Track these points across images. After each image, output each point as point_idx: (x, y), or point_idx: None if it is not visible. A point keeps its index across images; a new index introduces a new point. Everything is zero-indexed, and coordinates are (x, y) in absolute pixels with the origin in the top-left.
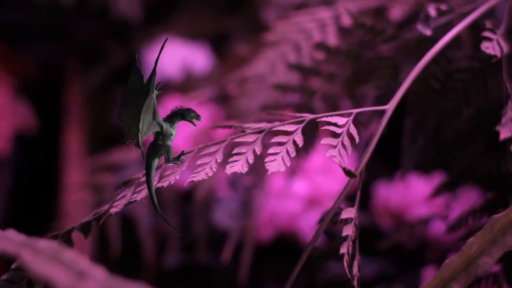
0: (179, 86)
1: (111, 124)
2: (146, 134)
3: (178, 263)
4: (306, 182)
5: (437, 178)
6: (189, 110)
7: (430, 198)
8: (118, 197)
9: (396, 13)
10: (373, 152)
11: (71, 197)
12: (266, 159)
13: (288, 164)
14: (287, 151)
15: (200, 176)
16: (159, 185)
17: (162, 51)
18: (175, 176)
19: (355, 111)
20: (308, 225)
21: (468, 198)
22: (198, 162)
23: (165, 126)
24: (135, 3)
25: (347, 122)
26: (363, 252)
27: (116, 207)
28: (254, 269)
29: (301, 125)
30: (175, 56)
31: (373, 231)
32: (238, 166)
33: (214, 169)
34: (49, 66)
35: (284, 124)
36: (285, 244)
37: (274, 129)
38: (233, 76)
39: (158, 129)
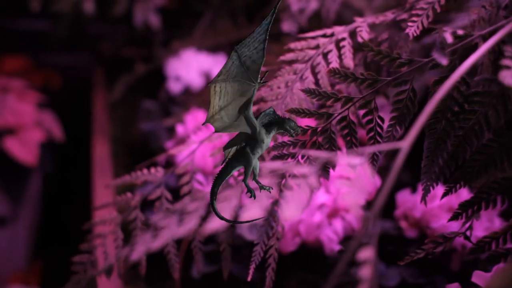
0: (199, 92)
1: (135, 133)
2: (231, 127)
3: (203, 273)
4: (329, 192)
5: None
6: (288, 120)
7: (453, 219)
8: (138, 241)
9: (415, 27)
10: None
11: (99, 214)
12: (281, 203)
13: (304, 208)
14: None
15: (215, 224)
16: (178, 234)
17: (185, 61)
18: (194, 222)
19: (370, 150)
20: (331, 234)
21: (491, 215)
22: (219, 204)
23: (259, 129)
24: (155, 14)
25: (362, 162)
26: (386, 260)
27: (136, 253)
28: (277, 277)
29: (316, 168)
30: (196, 66)
31: (397, 238)
32: (254, 211)
33: (232, 214)
34: (74, 76)
35: (298, 166)
36: (308, 253)
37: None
38: None
39: (247, 129)
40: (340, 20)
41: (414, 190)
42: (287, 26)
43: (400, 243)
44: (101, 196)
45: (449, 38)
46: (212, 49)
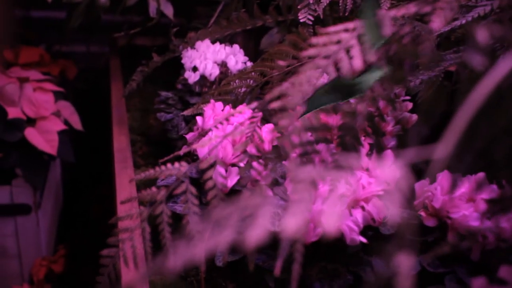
0: (216, 82)
1: (152, 123)
2: None
3: (227, 261)
4: (349, 182)
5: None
6: None
7: (486, 216)
8: (174, 249)
9: (439, 21)
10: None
11: (122, 209)
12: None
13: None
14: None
15: (258, 233)
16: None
17: (201, 52)
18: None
19: (405, 159)
20: (351, 224)
21: None
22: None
23: None
24: (169, 3)
25: (397, 170)
26: (406, 250)
27: (178, 264)
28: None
29: (346, 173)
30: (212, 56)
31: (417, 227)
32: (297, 218)
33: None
34: (89, 66)
35: (328, 172)
36: (329, 243)
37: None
38: (273, 92)
39: None
40: (356, 8)
41: (432, 179)
42: (303, 15)
43: (420, 230)
44: (123, 185)
45: (483, 37)
46: (228, 39)
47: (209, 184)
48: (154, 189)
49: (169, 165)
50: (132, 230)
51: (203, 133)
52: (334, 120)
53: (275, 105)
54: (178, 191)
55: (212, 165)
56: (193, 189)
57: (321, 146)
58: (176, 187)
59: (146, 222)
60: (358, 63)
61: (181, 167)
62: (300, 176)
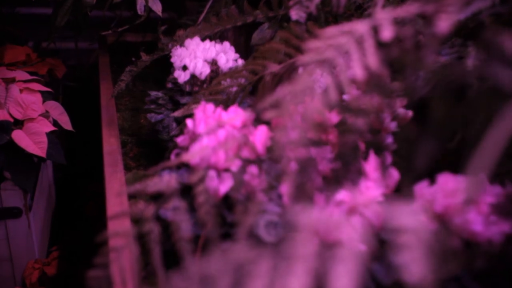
0: (207, 79)
1: (142, 122)
2: None
3: None
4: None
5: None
6: None
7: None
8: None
9: (444, 24)
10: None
11: (112, 226)
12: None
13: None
14: None
15: None
16: None
17: (192, 51)
18: None
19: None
20: (350, 230)
21: None
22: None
23: None
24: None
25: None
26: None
27: None
28: None
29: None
30: (202, 54)
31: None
32: (300, 279)
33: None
34: (78, 64)
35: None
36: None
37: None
38: (266, 100)
39: None
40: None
41: (432, 180)
42: (295, 13)
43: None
44: (113, 191)
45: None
46: (218, 35)
47: (200, 199)
48: (141, 205)
49: (156, 178)
50: (120, 250)
51: (194, 137)
52: (332, 136)
53: (269, 114)
54: (167, 206)
55: (202, 180)
56: (182, 204)
57: (318, 159)
58: (166, 201)
59: (133, 243)
60: (359, 72)
61: (171, 180)
62: (300, 222)
